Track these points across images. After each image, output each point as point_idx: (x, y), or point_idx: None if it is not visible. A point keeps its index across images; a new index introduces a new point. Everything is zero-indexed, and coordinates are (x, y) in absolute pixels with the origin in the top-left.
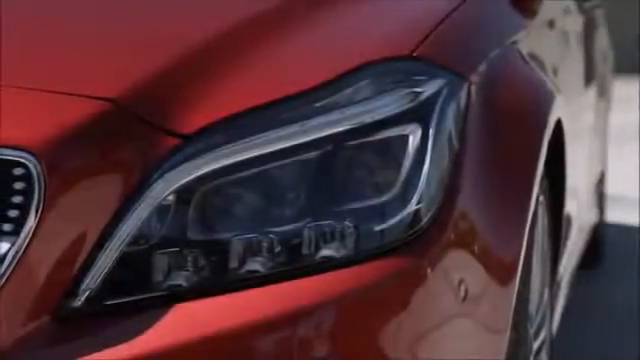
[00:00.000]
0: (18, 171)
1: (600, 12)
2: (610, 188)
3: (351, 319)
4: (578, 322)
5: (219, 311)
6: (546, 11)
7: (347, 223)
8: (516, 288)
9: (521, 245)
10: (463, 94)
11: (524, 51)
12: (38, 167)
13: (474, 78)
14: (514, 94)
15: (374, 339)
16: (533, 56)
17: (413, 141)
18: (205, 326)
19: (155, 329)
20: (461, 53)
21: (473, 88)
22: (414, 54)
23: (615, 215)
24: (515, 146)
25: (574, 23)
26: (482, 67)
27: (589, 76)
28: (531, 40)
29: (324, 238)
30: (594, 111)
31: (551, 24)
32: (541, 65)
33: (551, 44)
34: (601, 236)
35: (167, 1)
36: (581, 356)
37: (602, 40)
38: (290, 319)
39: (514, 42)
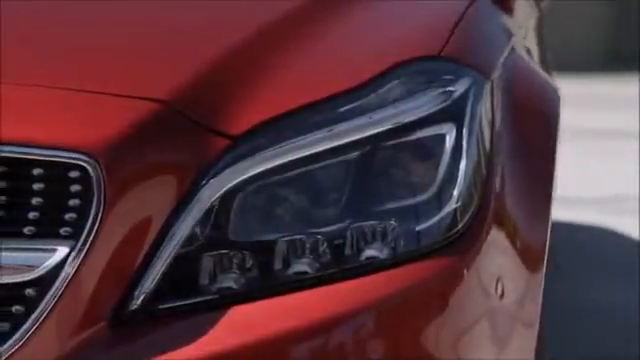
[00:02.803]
0: (74, 173)
1: (547, 11)
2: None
3: (401, 320)
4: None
5: (275, 313)
6: (519, 11)
7: (392, 222)
8: (543, 280)
9: (546, 239)
10: (488, 93)
11: (521, 51)
12: (97, 169)
13: (494, 77)
14: (528, 93)
15: (422, 340)
16: (528, 54)
17: (449, 140)
18: (262, 328)
19: (215, 331)
20: (481, 53)
21: (495, 87)
22: (442, 54)
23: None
24: (535, 144)
25: (534, 22)
26: (499, 66)
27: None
28: (519, 40)
29: (368, 238)
30: None
31: (523, 24)
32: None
33: (528, 43)
34: None
35: (205, 2)
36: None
37: (547, 38)
38: (345, 320)
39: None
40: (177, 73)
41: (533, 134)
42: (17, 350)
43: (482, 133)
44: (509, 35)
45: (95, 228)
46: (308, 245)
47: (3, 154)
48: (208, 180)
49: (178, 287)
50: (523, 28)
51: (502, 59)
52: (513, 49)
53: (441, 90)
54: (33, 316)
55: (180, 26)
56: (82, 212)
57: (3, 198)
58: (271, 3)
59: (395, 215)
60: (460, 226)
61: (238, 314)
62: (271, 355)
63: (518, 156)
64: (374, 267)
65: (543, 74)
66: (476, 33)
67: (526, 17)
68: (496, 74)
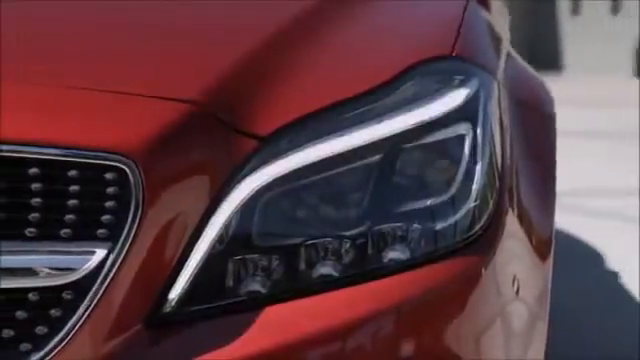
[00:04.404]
0: (110, 175)
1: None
2: None
3: (425, 320)
4: None
5: (306, 314)
6: (496, 12)
7: (413, 224)
8: (551, 274)
9: (552, 233)
10: (496, 92)
11: (514, 52)
12: (135, 170)
13: (499, 77)
14: (527, 93)
15: (446, 339)
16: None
17: (465, 140)
18: (298, 328)
19: (251, 332)
20: (485, 53)
21: (501, 87)
22: (452, 54)
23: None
24: (538, 142)
25: (508, 22)
26: (501, 67)
27: None
28: (506, 41)
29: (390, 240)
30: None
31: (502, 24)
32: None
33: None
34: None
35: (225, 3)
36: None
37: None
38: (376, 319)
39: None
40: (204, 74)
41: (536, 133)
42: (57, 354)
43: (494, 132)
44: (500, 36)
45: (133, 229)
46: (331, 247)
47: (38, 156)
48: (236, 182)
49: (208, 290)
50: (502, 29)
51: (503, 60)
52: (508, 50)
53: (455, 90)
54: (72, 320)
55: (201, 27)
56: (119, 214)
57: (39, 200)
58: (287, 3)
59: (416, 216)
60: (478, 226)
61: (272, 315)
62: (304, 355)
63: (525, 155)
64: (397, 268)
65: (537, 75)
66: (477, 34)
67: (503, 18)
68: (500, 74)
